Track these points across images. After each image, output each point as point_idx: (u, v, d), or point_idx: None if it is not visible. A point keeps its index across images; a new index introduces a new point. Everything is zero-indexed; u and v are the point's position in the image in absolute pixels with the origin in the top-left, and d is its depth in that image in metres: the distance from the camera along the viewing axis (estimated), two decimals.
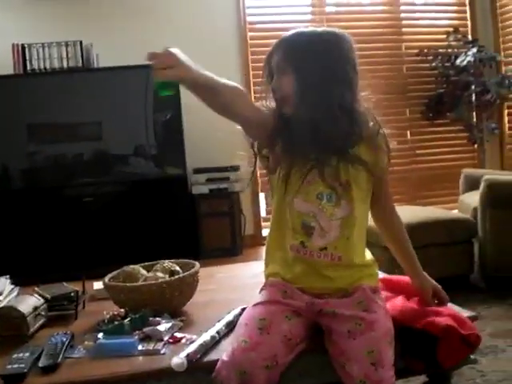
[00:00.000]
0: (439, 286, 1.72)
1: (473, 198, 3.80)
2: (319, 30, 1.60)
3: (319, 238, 1.56)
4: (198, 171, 4.75)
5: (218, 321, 1.62)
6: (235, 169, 4.64)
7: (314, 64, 1.52)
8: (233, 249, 4.68)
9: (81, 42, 4.63)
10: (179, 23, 5.04)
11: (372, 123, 1.60)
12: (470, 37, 5.72)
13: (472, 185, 4.19)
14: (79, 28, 4.78)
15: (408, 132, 5.68)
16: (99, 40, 4.73)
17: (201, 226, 4.70)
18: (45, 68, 4.59)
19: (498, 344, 2.69)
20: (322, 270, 1.56)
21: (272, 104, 1.61)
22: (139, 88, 4.59)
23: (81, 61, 4.63)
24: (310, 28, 1.62)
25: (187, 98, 4.36)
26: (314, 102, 1.51)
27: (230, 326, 1.60)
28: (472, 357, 1.69)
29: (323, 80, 1.52)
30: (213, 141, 4.51)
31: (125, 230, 4.46)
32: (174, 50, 1.37)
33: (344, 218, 1.56)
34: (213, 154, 4.69)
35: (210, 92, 1.45)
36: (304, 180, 1.54)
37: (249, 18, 5.30)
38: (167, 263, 1.88)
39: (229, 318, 1.64)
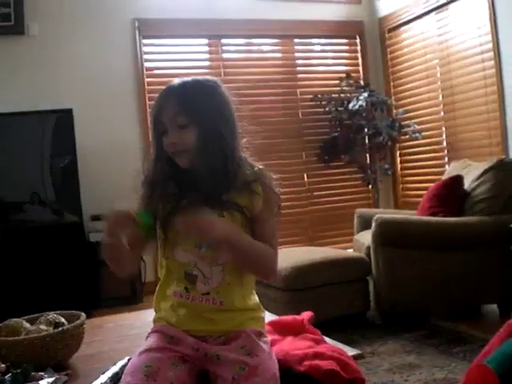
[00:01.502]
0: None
1: (366, 237, 3.92)
2: (201, 79, 1.61)
3: (202, 285, 1.56)
4: (95, 218, 4.64)
5: (103, 373, 1.58)
6: None
7: (210, 115, 1.54)
8: (133, 297, 4.58)
9: None
10: (75, 69, 5.00)
11: (248, 169, 1.61)
12: (361, 82, 5.97)
13: (365, 224, 4.32)
14: None
15: (305, 175, 5.83)
16: None
17: (99, 275, 4.58)
18: None
19: (394, 379, 2.76)
20: (205, 314, 1.56)
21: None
22: (34, 134, 4.50)
23: None
24: (193, 78, 1.61)
25: (83, 143, 4.34)
26: (214, 152, 1.53)
27: (116, 378, 1.56)
28: None
29: (220, 130, 1.54)
30: (110, 186, 4.46)
31: (20, 280, 4.27)
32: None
33: (225, 263, 1.56)
34: (110, 200, 4.61)
35: None
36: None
37: (146, 64, 5.33)
38: (51, 315, 1.82)
39: (114, 369, 1.60)
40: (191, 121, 1.52)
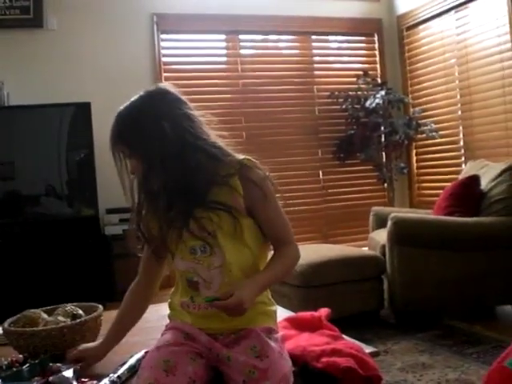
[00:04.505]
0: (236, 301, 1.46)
1: (381, 236, 3.90)
2: (135, 101, 1.58)
3: (206, 290, 1.57)
4: (110, 211, 4.66)
5: (121, 365, 1.59)
6: None
7: (143, 139, 1.52)
8: None
9: None
10: (93, 63, 5.02)
11: (227, 160, 1.57)
12: (379, 80, 5.95)
13: (381, 222, 4.31)
14: None
15: (320, 172, 5.82)
16: (11, 78, 4.64)
17: (114, 268, 4.61)
18: None
19: (407, 378, 2.75)
20: (216, 313, 1.54)
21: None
22: (52, 127, 4.53)
23: None
24: (127, 104, 1.59)
25: (100, 137, 4.34)
26: (158, 172, 1.53)
27: (133, 370, 1.57)
28: None
29: (154, 149, 1.51)
30: None
31: (36, 272, 4.30)
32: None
33: (221, 265, 1.56)
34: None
35: None
36: (179, 240, 1.56)
37: (164, 59, 5.34)
38: (69, 307, 1.83)
39: (131, 361, 1.61)
40: (130, 150, 1.56)
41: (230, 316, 1.47)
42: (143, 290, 1.75)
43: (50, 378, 1.55)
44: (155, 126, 1.51)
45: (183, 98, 1.60)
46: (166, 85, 1.64)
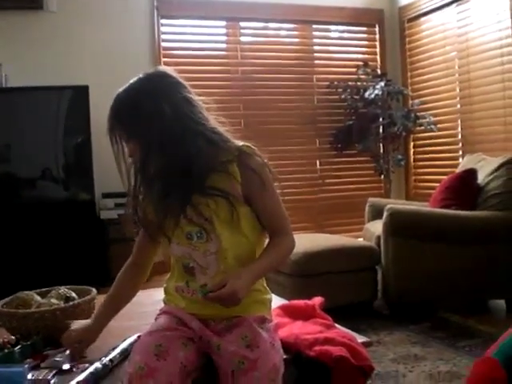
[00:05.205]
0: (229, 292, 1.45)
1: (376, 227, 3.91)
2: (134, 83, 1.57)
3: (202, 276, 1.57)
4: (106, 196, 4.65)
5: (113, 349, 1.59)
6: None
7: (141, 122, 1.50)
8: None
9: None
10: (92, 47, 4.98)
11: (226, 147, 1.55)
12: (378, 71, 5.93)
13: (377, 214, 4.31)
14: None
15: (317, 161, 5.79)
16: (9, 60, 4.60)
17: (109, 252, 4.60)
18: None
19: (398, 369, 2.77)
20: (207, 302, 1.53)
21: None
22: (49, 110, 4.50)
23: None
24: (126, 86, 1.57)
25: (97, 121, 4.33)
26: (157, 157, 1.52)
27: (125, 354, 1.58)
28: (368, 382, 1.72)
29: (153, 132, 1.50)
30: None
31: (31, 255, 4.29)
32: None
33: (217, 251, 1.55)
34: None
35: None
36: (176, 225, 1.55)
37: (164, 44, 5.31)
38: (63, 289, 1.83)
39: (123, 345, 1.62)
40: (128, 135, 1.54)
41: (224, 306, 1.47)
42: (136, 271, 1.76)
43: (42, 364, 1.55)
44: (154, 109, 1.49)
45: (183, 81, 1.59)
46: (165, 68, 1.62)
